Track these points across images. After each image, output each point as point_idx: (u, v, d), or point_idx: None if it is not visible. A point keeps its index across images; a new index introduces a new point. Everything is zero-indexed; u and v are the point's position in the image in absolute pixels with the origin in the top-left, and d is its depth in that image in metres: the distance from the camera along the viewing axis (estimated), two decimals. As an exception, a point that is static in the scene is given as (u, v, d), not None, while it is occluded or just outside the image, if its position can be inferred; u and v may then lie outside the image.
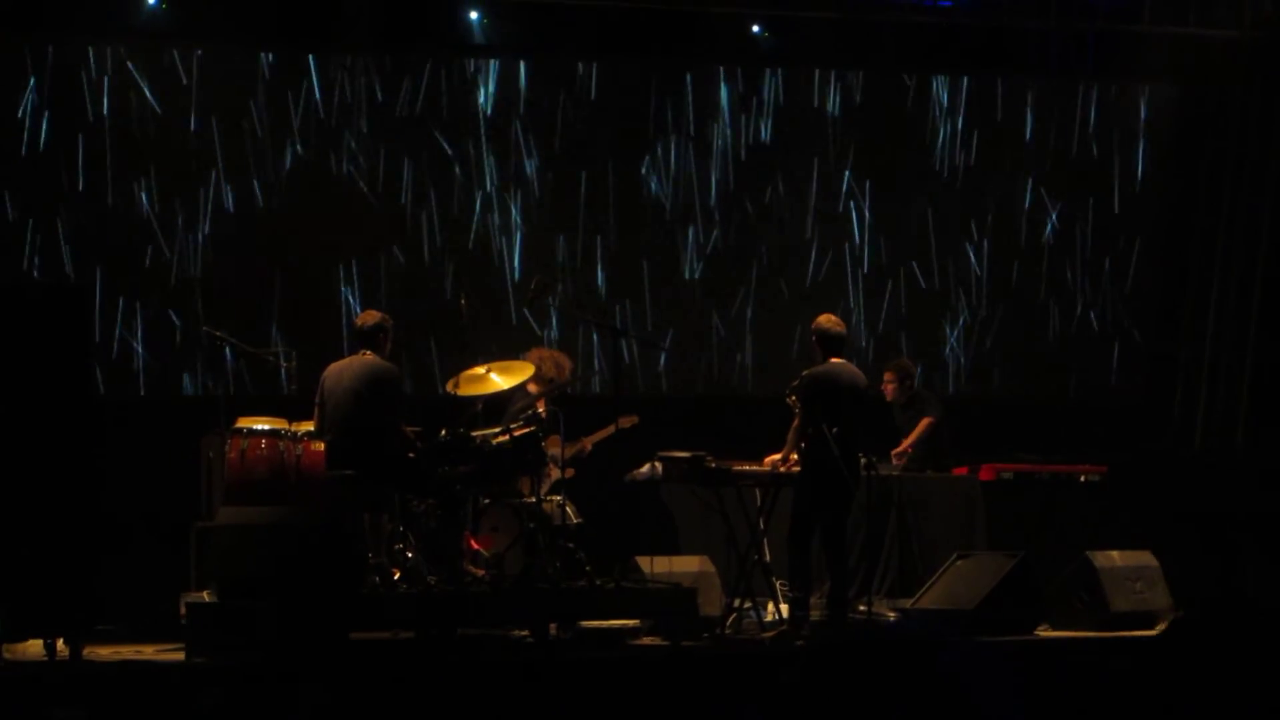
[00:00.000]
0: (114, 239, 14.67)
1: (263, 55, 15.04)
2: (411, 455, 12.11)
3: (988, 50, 16.16)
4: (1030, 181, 16.59)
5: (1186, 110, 16.76)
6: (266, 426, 12.16)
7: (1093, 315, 16.69)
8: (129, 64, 14.74)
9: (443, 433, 12.14)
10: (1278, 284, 16.32)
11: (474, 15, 15.28)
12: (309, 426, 12.18)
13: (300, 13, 14.95)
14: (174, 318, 14.72)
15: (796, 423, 12.24)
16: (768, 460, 12.47)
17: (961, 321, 16.52)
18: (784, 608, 12.41)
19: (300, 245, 15.05)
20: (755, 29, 15.77)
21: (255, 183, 14.99)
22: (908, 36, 15.86)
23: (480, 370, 12.65)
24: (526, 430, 12.26)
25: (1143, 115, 16.76)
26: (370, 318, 12.41)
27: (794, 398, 12.30)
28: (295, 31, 15.03)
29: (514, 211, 15.55)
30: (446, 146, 15.40)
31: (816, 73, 16.16)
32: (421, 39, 15.36)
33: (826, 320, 12.63)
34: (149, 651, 11.49)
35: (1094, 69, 16.30)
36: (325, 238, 15.12)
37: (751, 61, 16.00)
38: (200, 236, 14.86)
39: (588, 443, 13.65)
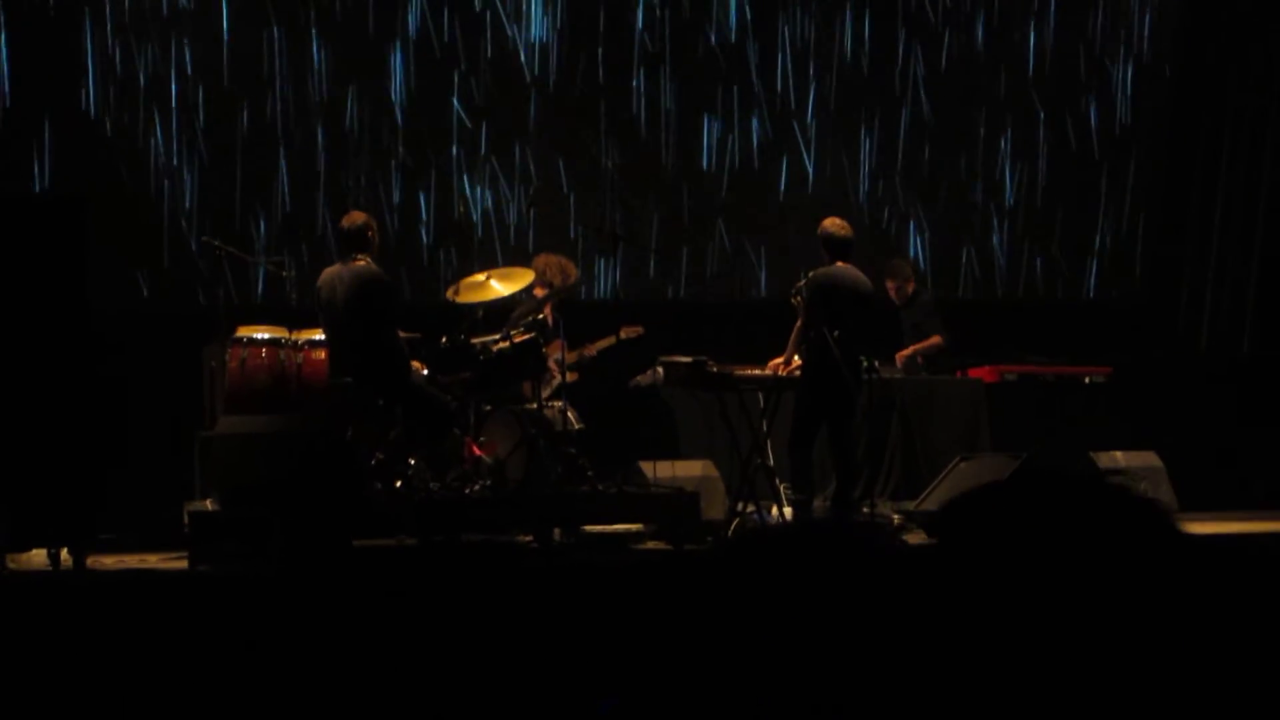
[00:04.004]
0: (109, 150, 14.60)
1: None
2: (415, 364, 12.09)
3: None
4: (1037, 87, 16.48)
5: (1187, 13, 16.60)
6: (267, 335, 12.16)
7: (1099, 217, 16.58)
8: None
9: (443, 340, 12.12)
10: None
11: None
12: (310, 335, 12.16)
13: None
14: (174, 228, 14.66)
15: (799, 325, 12.21)
16: (770, 365, 12.45)
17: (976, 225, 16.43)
18: (788, 511, 12.42)
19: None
20: None
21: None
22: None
23: (480, 277, 12.60)
24: (528, 336, 12.23)
25: (1147, 20, 16.62)
26: (357, 218, 12.22)
27: (798, 299, 12.27)
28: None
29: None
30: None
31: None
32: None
33: (831, 223, 12.55)
34: (153, 560, 11.53)
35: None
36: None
37: None
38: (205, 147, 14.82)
39: (592, 349, 13.59)
